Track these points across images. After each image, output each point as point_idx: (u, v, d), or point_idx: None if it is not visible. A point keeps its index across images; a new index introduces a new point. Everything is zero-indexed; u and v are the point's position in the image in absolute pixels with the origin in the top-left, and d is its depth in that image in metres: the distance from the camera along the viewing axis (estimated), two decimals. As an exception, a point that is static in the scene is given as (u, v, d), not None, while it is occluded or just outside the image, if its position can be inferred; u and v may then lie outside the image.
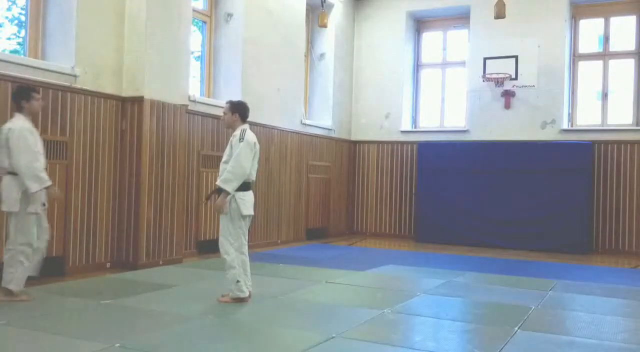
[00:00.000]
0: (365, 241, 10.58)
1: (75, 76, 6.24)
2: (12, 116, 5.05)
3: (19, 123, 4.86)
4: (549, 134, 10.18)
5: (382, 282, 6.41)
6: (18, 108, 4.94)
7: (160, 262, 6.87)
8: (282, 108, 9.55)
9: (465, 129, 10.88)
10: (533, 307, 5.15)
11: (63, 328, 4.11)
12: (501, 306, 5.23)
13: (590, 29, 10.66)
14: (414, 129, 11.61)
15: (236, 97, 8.34)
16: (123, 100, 6.77)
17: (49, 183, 4.89)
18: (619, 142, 9.71)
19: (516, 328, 4.38)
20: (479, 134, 10.66)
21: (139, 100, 6.72)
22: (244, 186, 4.97)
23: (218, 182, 4.97)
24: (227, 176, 4.90)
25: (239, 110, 5.13)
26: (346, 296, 5.65)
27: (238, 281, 4.93)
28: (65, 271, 6.10)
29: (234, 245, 4.95)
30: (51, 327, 4.09)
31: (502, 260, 8.45)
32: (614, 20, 10.32)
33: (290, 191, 9.75)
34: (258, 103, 8.91)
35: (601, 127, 10.10)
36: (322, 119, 11.00)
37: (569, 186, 9.59)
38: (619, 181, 9.68)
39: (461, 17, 11.16)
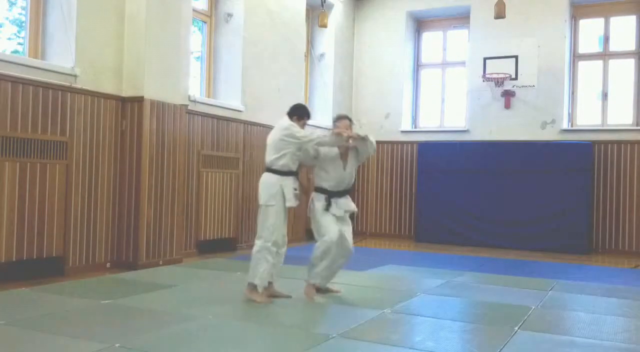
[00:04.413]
0: (365, 241, 10.57)
1: (75, 76, 6.24)
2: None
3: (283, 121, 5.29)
4: (549, 134, 10.18)
5: (382, 282, 6.41)
6: (289, 115, 5.42)
7: (160, 262, 6.87)
8: (282, 108, 9.48)
9: (465, 129, 10.88)
10: (533, 307, 5.15)
11: (63, 328, 4.10)
12: (501, 306, 5.23)
13: (590, 29, 10.66)
14: (414, 129, 11.61)
15: (236, 97, 8.42)
16: (123, 100, 6.78)
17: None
18: (619, 142, 9.71)
19: (516, 328, 4.37)
20: (479, 134, 10.66)
21: (139, 100, 6.72)
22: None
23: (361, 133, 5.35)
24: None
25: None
26: (346, 295, 5.64)
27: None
28: (65, 271, 6.10)
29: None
30: (51, 327, 4.09)
31: (502, 260, 8.45)
32: (614, 20, 10.32)
33: (290, 191, 9.72)
34: (258, 103, 8.93)
35: (601, 127, 10.10)
36: (322, 119, 10.99)
37: (569, 186, 9.59)
38: (619, 181, 9.68)
39: (461, 17, 11.17)
